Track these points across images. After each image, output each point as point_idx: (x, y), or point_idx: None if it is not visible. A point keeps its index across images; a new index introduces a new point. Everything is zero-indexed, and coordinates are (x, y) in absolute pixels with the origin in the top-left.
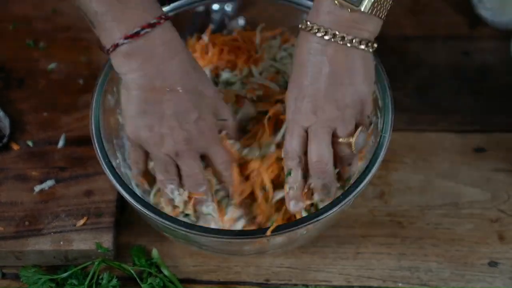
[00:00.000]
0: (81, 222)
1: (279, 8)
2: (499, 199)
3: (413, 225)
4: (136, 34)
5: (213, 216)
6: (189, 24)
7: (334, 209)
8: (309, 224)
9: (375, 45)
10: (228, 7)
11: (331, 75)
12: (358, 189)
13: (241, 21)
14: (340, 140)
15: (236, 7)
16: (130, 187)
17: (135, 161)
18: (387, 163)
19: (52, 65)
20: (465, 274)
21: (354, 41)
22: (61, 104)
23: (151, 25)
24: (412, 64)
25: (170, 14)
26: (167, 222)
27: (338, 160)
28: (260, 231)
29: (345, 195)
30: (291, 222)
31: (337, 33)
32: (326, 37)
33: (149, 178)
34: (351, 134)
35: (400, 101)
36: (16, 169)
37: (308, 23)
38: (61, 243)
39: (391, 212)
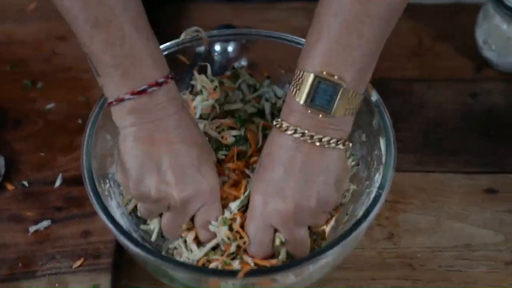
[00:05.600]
0: (78, 263)
1: (281, 49)
2: None
3: (424, 267)
4: (143, 91)
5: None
6: (190, 65)
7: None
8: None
9: (350, 143)
10: (230, 48)
11: (302, 173)
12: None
13: (243, 63)
14: (314, 230)
15: (238, 48)
16: (129, 230)
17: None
18: (394, 204)
19: (49, 106)
20: None
21: (330, 142)
22: (59, 144)
23: (158, 84)
24: (417, 106)
25: (172, 50)
26: (164, 263)
27: None
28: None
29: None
30: (276, 266)
31: (312, 134)
32: (298, 136)
33: None
34: (324, 224)
35: (406, 142)
36: (10, 209)
37: (283, 123)
38: (56, 285)
39: (400, 254)
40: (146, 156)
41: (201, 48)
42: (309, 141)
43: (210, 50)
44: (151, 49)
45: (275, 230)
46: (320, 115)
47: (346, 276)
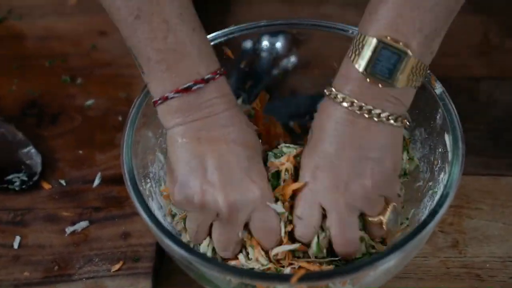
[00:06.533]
0: (117, 267)
1: (338, 42)
2: None
3: (494, 278)
4: (188, 89)
5: None
6: (236, 62)
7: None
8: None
9: (407, 121)
10: (279, 44)
11: (357, 149)
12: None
13: (293, 59)
14: (370, 219)
15: (288, 42)
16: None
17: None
18: (460, 209)
19: (89, 102)
20: None
21: (389, 118)
22: (98, 141)
23: (205, 81)
24: (484, 105)
25: (217, 41)
26: (209, 265)
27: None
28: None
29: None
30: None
31: (370, 108)
32: (354, 109)
33: None
34: (381, 213)
35: (472, 144)
36: (46, 209)
37: (334, 90)
38: None
39: (467, 263)
40: (192, 156)
41: (248, 44)
42: (366, 115)
43: (257, 46)
44: (197, 42)
45: (324, 216)
46: (380, 85)
47: (407, 286)
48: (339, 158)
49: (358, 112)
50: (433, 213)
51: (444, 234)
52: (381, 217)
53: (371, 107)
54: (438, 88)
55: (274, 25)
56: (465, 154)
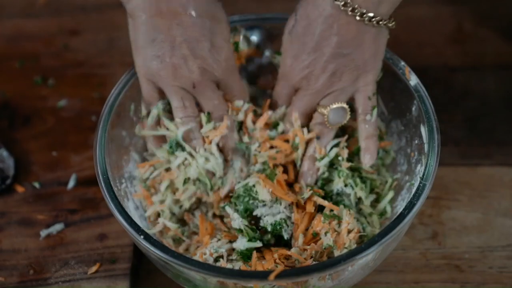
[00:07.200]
0: (93, 269)
1: None
2: None
3: (473, 268)
4: None
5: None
6: None
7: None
8: (336, 268)
9: (392, 22)
10: (254, 40)
11: (337, 45)
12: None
13: (267, 53)
14: (318, 108)
15: (262, 37)
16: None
17: (147, 102)
18: (438, 201)
19: (61, 102)
20: None
21: (372, 19)
22: (72, 142)
23: None
24: (460, 95)
25: None
26: (187, 265)
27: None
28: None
29: (367, 245)
30: (301, 268)
31: (357, 7)
32: (347, 10)
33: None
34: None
35: (449, 134)
36: (20, 213)
37: None
38: None
39: (446, 254)
40: (156, 30)
41: None
42: (358, 18)
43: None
44: None
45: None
46: None
47: (387, 279)
48: (318, 52)
49: (350, 13)
50: (410, 206)
51: (423, 226)
52: (326, 109)
53: (364, 11)
54: (413, 80)
55: (247, 20)
56: (441, 144)
